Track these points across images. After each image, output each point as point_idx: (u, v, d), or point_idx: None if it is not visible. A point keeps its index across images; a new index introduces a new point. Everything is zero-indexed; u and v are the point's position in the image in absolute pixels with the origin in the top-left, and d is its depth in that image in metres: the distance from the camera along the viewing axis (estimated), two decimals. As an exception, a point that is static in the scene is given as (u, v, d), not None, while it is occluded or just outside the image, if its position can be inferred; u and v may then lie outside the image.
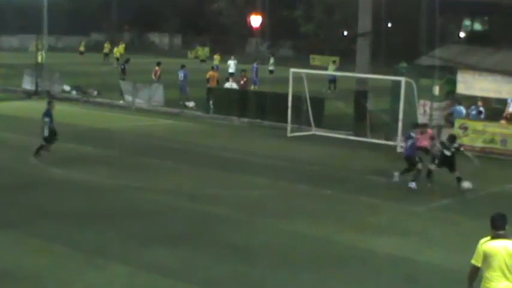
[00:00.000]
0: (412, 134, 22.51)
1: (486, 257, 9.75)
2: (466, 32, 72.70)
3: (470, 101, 31.84)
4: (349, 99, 33.75)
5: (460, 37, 70.59)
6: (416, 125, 23.87)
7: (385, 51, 54.09)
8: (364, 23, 32.85)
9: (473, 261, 9.96)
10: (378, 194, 20.93)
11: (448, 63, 34.47)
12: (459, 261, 14.94)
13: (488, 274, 9.77)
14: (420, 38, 52.15)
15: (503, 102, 33.04)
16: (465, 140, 28.69)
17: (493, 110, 32.65)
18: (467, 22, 74.83)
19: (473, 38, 66.33)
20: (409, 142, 22.22)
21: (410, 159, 22.18)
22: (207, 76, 40.77)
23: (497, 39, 55.29)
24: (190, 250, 15.39)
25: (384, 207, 19.63)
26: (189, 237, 16.36)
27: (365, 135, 30.49)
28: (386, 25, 74.15)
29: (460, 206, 20.06)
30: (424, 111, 31.50)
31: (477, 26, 74.59)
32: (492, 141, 28.37)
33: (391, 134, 29.41)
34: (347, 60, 50.26)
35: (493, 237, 9.87)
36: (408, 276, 14.31)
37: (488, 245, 9.83)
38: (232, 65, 50.95)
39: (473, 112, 30.81)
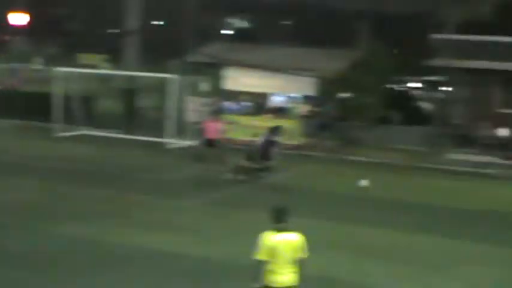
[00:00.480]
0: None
1: (271, 250, 9.75)
2: (232, 29, 74.82)
3: (237, 96, 32.76)
4: (119, 97, 33.50)
5: (226, 34, 72.42)
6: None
7: (154, 48, 54.30)
8: (132, 21, 32.79)
9: (257, 255, 9.84)
10: (149, 191, 20.93)
11: (215, 59, 35.27)
12: (231, 254, 15.36)
13: (272, 266, 9.80)
14: (187, 36, 52.86)
15: (268, 96, 34.34)
16: (233, 135, 29.54)
17: (259, 104, 33.80)
18: (232, 20, 77.07)
19: (239, 35, 68.43)
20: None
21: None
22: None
23: (261, 36, 57.48)
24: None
25: (156, 204, 19.65)
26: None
27: (135, 133, 30.42)
28: (155, 23, 74.47)
29: (230, 199, 20.51)
30: (193, 107, 32.00)
31: (242, 24, 77.02)
32: (257, 135, 29.30)
33: (160, 131, 29.55)
34: (116, 58, 49.70)
35: (276, 230, 9.87)
36: (180, 271, 14.39)
37: (272, 238, 9.82)
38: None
39: (240, 107, 31.71)
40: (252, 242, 15.97)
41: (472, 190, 23.14)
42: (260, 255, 9.75)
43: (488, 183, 24.49)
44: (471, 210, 20.02)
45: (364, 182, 18.60)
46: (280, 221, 9.88)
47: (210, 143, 24.41)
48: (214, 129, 24.59)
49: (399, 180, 24.44)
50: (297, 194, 21.32)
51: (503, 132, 27.94)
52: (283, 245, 9.77)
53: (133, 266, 14.55)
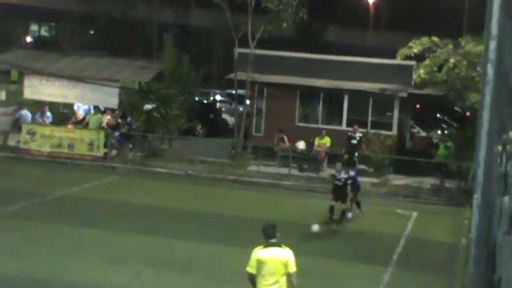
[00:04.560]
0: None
1: (260, 264, 10.45)
2: (33, 37, 72.54)
3: (38, 106, 31.83)
4: None
5: (27, 42, 70.12)
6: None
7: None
8: None
9: (248, 269, 10.59)
10: None
11: (15, 67, 34.11)
12: (23, 267, 14.92)
13: (260, 280, 10.49)
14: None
15: (71, 107, 33.68)
16: (33, 145, 28.70)
17: (61, 114, 33.05)
18: (34, 27, 74.73)
19: (41, 43, 66.49)
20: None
21: None
22: None
23: (64, 45, 56.25)
24: None
25: None
26: None
27: None
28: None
29: (27, 212, 19.87)
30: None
31: (44, 32, 74.86)
32: (60, 145, 28.71)
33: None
34: None
35: (266, 246, 10.54)
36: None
37: (261, 253, 10.50)
38: None
39: (39, 117, 30.79)
40: (49, 255, 15.69)
41: (268, 201, 23.83)
42: (250, 268, 10.56)
43: (284, 194, 25.36)
44: (265, 219, 20.57)
45: (316, 227, 18.78)
46: (270, 237, 10.61)
47: None
48: None
49: (200, 191, 24.73)
50: (94, 206, 21.07)
51: (300, 145, 29.03)
52: (270, 259, 10.48)
53: None
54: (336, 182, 20.72)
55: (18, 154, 28.52)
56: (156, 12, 57.04)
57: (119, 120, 30.30)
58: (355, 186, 21.76)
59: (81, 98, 31.15)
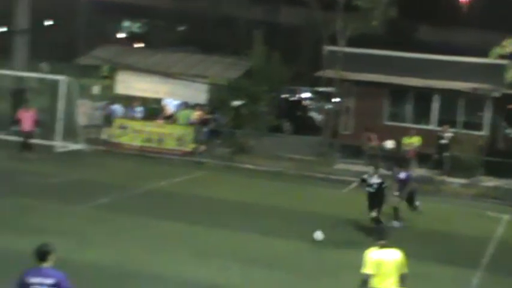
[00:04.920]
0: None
1: (378, 265, 10.51)
2: (126, 33, 74.03)
3: (129, 100, 32.47)
4: (5, 97, 32.58)
5: (119, 38, 71.56)
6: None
7: (46, 49, 53.12)
8: (22, 20, 32.02)
9: (365, 270, 10.58)
10: (36, 195, 20.49)
11: (108, 63, 34.88)
12: (114, 258, 15.26)
13: (379, 280, 10.52)
14: (79, 37, 51.97)
15: (161, 102, 34.25)
16: (124, 139, 29.32)
17: (151, 110, 33.63)
18: (126, 23, 76.26)
19: (132, 39, 67.81)
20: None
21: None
22: None
23: (155, 41, 57.19)
24: None
25: (42, 208, 19.27)
26: None
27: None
28: (46, 23, 72.91)
29: (117, 204, 20.32)
30: (84, 110, 31.55)
31: (136, 28, 76.32)
32: (150, 140, 29.25)
33: (50, 134, 28.95)
34: (3, 57, 48.35)
35: (382, 246, 10.67)
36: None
37: (379, 254, 10.60)
38: None
39: (130, 112, 31.44)
40: (138, 247, 16.03)
41: (356, 200, 23.63)
42: (367, 269, 10.55)
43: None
44: (352, 219, 20.47)
45: (319, 235, 17.52)
46: (382, 238, 10.75)
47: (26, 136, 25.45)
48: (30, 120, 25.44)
49: (287, 188, 24.78)
50: (182, 200, 21.37)
51: (388, 144, 28.73)
52: (388, 260, 10.58)
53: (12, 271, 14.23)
54: (368, 189, 18.84)
55: (110, 148, 29.18)
56: (245, 10, 57.38)
57: (208, 116, 30.65)
58: (406, 189, 20.12)
59: (171, 94, 31.65)
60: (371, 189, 18.62)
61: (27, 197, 20.16)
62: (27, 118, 25.82)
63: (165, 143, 29.02)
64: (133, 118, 30.76)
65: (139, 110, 31.38)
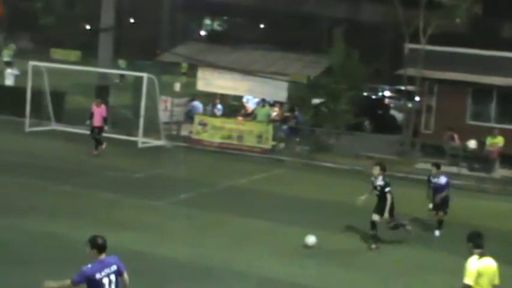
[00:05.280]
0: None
1: (478, 275, 10.06)
2: (206, 30, 74.79)
3: (209, 97, 32.79)
4: (90, 93, 33.32)
5: (200, 35, 72.33)
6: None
7: (128, 47, 54.08)
8: (107, 17, 32.65)
9: (466, 281, 10.07)
10: (118, 189, 20.87)
11: (189, 60, 35.27)
12: (194, 254, 15.42)
13: None
14: (162, 35, 52.68)
15: (240, 99, 34.45)
16: (204, 136, 29.58)
17: (231, 107, 33.87)
18: (207, 21, 77.03)
19: (214, 36, 68.43)
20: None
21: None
22: None
23: (236, 39, 57.52)
24: None
25: (123, 202, 19.63)
26: None
27: (107, 131, 30.26)
28: (129, 21, 74.13)
29: (196, 201, 20.52)
30: (166, 107, 31.99)
31: (217, 25, 76.99)
32: (229, 137, 29.42)
33: (132, 130, 29.47)
34: (89, 54, 49.42)
35: (481, 255, 10.18)
36: (142, 270, 14.39)
37: (479, 263, 10.12)
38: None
39: (211, 109, 31.75)
40: (217, 243, 16.15)
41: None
42: (469, 280, 10.04)
43: (452, 193, 24.65)
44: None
45: (311, 240, 16.40)
46: (481, 246, 10.24)
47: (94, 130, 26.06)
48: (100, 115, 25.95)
49: (367, 187, 24.51)
50: (261, 198, 21.41)
51: (471, 144, 28.21)
52: (486, 270, 10.14)
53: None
54: (374, 191, 17.16)
55: (190, 144, 29.49)
56: (326, 7, 57.16)
57: (287, 114, 30.65)
58: (440, 196, 18.35)
59: (251, 91, 31.79)
60: (376, 192, 17.01)
61: (110, 191, 20.56)
62: (97, 113, 26.30)
63: (244, 140, 29.15)
64: (213, 115, 31.01)
65: (219, 108, 31.63)
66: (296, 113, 30.32)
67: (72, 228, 16.57)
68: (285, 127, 30.12)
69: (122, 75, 33.90)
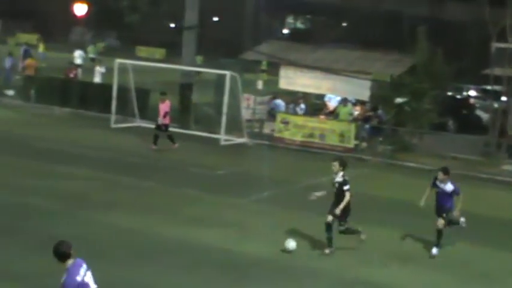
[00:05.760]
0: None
1: None
2: (289, 29, 74.90)
3: (291, 95, 32.80)
4: (174, 91, 33.79)
5: (283, 34, 72.47)
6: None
7: (211, 45, 54.61)
8: (191, 15, 33.00)
9: None
10: (200, 186, 21.11)
11: (271, 58, 35.38)
12: (276, 252, 15.47)
13: None
14: (245, 33, 52.99)
15: (322, 98, 34.35)
16: (286, 134, 29.63)
17: (313, 105, 33.81)
18: (290, 19, 77.12)
19: (296, 35, 68.44)
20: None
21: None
22: (26, 64, 39.36)
23: (318, 37, 57.39)
24: (8, 242, 14.87)
25: (206, 199, 19.85)
26: (7, 229, 15.80)
27: (189, 128, 30.66)
28: (213, 19, 74.81)
29: (280, 199, 20.57)
30: (248, 105, 32.16)
31: (300, 24, 77.02)
32: (311, 135, 29.37)
33: (214, 127, 29.74)
34: (173, 52, 50.12)
35: None
36: (225, 266, 14.54)
37: None
38: (79, 56, 47.71)
39: (293, 107, 31.75)
40: (299, 242, 16.15)
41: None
42: None
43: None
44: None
45: (291, 245, 15.54)
46: None
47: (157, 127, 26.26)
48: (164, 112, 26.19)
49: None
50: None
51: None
52: None
53: (174, 258, 14.74)
54: (332, 188, 15.98)
55: (272, 142, 29.58)
56: (409, 5, 56.49)
57: (370, 113, 30.42)
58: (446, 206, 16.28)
59: (333, 90, 31.66)
60: (334, 189, 15.78)
61: (192, 188, 20.82)
62: (161, 110, 26.57)
63: (326, 138, 29.05)
64: (295, 113, 31.03)
65: (302, 107, 31.61)
66: (379, 112, 30.04)
67: (154, 224, 16.85)
68: (367, 126, 29.90)
69: (198, 72, 34.11)
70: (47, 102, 34.48)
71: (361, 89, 30.45)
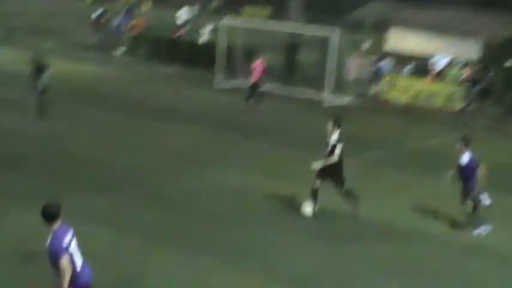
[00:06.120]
0: None
1: None
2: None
3: (398, 57, 32.24)
4: (280, 51, 33.74)
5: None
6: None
7: (318, 4, 54.09)
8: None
9: None
10: (303, 147, 21.11)
11: (379, 18, 34.84)
12: (379, 214, 15.45)
13: None
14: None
15: (429, 59, 33.61)
16: (392, 95, 29.25)
17: (420, 66, 33.14)
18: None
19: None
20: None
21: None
22: (134, 23, 40.07)
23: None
24: (117, 198, 15.37)
25: (308, 159, 19.83)
26: (116, 185, 16.32)
27: (294, 88, 30.61)
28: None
29: (382, 160, 20.43)
30: (353, 66, 31.84)
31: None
32: (418, 97, 28.90)
33: (319, 87, 29.59)
34: (280, 11, 49.94)
35: None
36: (329, 227, 14.58)
37: None
38: (184, 13, 48.09)
39: (402, 69, 31.25)
40: (402, 204, 16.02)
41: None
42: None
43: None
44: None
45: (307, 210, 14.91)
46: None
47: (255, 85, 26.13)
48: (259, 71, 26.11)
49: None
50: (451, 161, 20.87)
51: None
52: None
53: (278, 218, 14.88)
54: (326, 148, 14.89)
55: (377, 103, 29.24)
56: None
57: (478, 75, 29.61)
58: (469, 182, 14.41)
59: (442, 50, 30.95)
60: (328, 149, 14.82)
61: (295, 148, 20.86)
62: (252, 69, 26.57)
63: (433, 100, 28.52)
64: (401, 74, 30.54)
65: (408, 68, 31.06)
66: (490, 73, 29.21)
67: (256, 182, 17.04)
68: (476, 88, 29.13)
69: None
70: (155, 61, 35.06)
71: (471, 50, 29.68)
